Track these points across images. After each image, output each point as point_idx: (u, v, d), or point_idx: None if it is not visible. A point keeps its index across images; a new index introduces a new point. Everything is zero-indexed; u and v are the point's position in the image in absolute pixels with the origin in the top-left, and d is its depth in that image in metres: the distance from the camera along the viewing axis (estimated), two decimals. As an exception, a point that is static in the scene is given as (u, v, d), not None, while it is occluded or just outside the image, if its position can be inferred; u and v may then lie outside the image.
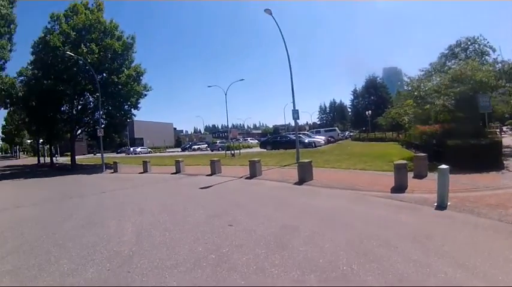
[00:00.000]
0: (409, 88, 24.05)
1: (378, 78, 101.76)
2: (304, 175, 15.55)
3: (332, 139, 51.38)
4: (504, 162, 17.86)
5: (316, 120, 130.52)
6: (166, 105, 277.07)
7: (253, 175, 18.48)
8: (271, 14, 22.95)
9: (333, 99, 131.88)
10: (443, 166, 9.90)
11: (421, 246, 6.38)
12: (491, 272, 5.22)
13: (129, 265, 6.13)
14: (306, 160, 16.65)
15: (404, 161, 13.64)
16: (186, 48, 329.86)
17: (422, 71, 25.96)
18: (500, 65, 25.24)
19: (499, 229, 7.67)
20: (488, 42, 27.48)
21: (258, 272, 5.45)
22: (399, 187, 12.43)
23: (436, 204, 9.84)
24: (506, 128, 62.64)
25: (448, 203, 9.78)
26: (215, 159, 22.60)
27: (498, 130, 46.49)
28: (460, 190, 11.73)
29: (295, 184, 15.28)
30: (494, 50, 27.29)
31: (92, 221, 10.18)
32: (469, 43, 28.10)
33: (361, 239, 6.86)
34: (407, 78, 25.25)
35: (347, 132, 78.46)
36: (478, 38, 27.92)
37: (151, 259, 6.36)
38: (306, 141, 40.43)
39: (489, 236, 7.18)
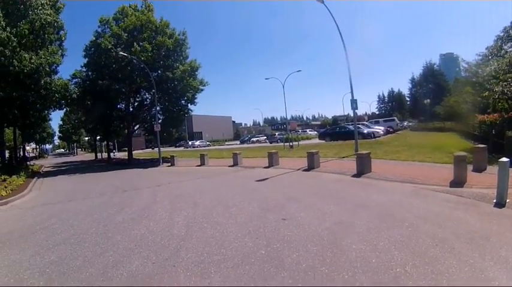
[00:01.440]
0: (467, 74, 23.59)
1: (435, 66, 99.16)
2: (363, 167, 15.38)
3: (391, 129, 50.24)
4: None
5: (375, 110, 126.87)
6: (225, 99, 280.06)
7: (311, 166, 18.49)
8: (323, 2, 22.98)
9: (391, 89, 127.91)
10: (504, 159, 9.54)
11: (478, 248, 6.02)
12: None
13: (175, 259, 6.22)
14: (365, 152, 16.52)
15: (464, 153, 13.07)
16: (243, 41, 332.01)
17: (480, 55, 25.05)
18: None
19: None
20: None
21: (308, 271, 5.35)
22: (458, 181, 12.17)
23: (495, 201, 9.47)
24: None
25: (507, 201, 9.38)
26: (273, 151, 22.84)
27: None
28: None
29: (353, 176, 15.15)
30: None
31: (144, 214, 10.45)
32: None
33: (417, 237, 6.65)
34: (465, 64, 24.86)
35: (406, 122, 76.00)
36: None
37: (199, 253, 6.43)
38: (365, 132, 40.04)
39: None
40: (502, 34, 26.66)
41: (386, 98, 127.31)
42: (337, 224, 7.88)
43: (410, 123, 73.23)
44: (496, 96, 21.68)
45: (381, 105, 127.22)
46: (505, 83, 20.25)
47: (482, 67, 23.11)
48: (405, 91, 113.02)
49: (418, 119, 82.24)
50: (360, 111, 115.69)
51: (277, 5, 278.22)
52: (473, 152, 15.12)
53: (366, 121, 65.85)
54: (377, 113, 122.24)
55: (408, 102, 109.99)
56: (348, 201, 10.47)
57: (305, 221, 8.22)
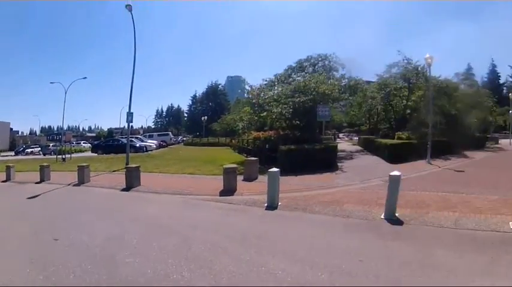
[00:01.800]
0: (249, 96, 25.25)
1: (220, 86, 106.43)
2: (132, 181, 15.48)
3: (164, 143, 51.67)
4: (339, 164, 20.39)
5: (152, 124, 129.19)
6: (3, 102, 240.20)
7: (81, 181, 17.89)
8: (131, 10, 22.60)
9: (171, 104, 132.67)
10: (274, 169, 10.70)
11: (253, 246, 6.74)
12: (332, 263, 5.80)
13: None
14: (134, 165, 16.75)
15: (233, 165, 14.62)
16: (31, 40, 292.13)
17: (266, 81, 27.64)
18: (346, 80, 29.37)
19: (335, 223, 8.62)
20: (339, 60, 31.08)
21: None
22: (228, 190, 13.04)
23: (266, 204, 10.41)
24: (343, 135, 72.06)
25: (279, 203, 10.45)
26: (45, 164, 21.40)
27: (333, 137, 53.51)
28: (292, 190, 12.87)
29: (123, 190, 15.14)
30: (343, 67, 31.14)
31: None
32: (319, 59, 31.16)
33: (189, 244, 6.94)
34: (248, 86, 26.42)
35: (180, 137, 79.31)
36: (330, 55, 31.22)
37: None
38: (137, 145, 40.34)
39: (324, 230, 8.05)
40: (294, 65, 30.95)
41: (164, 113, 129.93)
42: (109, 239, 7.74)
43: (185, 138, 75.75)
44: (274, 117, 24.21)
45: (158, 120, 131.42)
46: (285, 105, 22.63)
47: (265, 91, 25.41)
48: (186, 108, 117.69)
49: (194, 134, 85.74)
50: (136, 125, 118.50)
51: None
52: (245, 164, 16.96)
53: (141, 135, 67.77)
54: (153, 127, 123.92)
55: (185, 118, 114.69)
56: (117, 215, 10.52)
57: (77, 239, 7.87)
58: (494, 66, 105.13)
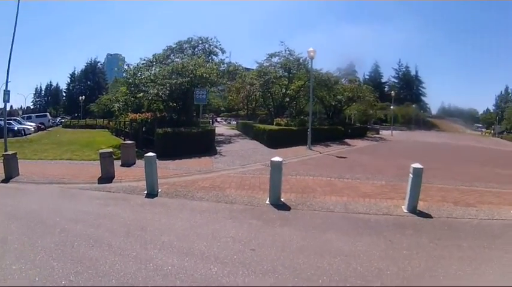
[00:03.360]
0: (127, 75, 23.96)
1: (100, 64, 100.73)
2: (11, 171, 13.69)
3: (42, 126, 46.91)
4: (217, 148, 20.18)
5: (31, 105, 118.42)
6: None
7: None
8: None
9: (50, 82, 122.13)
10: (150, 154, 10.26)
11: (138, 239, 6.42)
12: (223, 255, 5.70)
13: None
14: (11, 152, 14.74)
15: (109, 150, 13.75)
16: None
17: (144, 60, 26.23)
18: (226, 65, 28.77)
19: (219, 210, 8.44)
20: (220, 44, 30.45)
21: None
22: (106, 177, 12.34)
23: (146, 192, 10.01)
24: (221, 119, 71.79)
25: (159, 190, 10.11)
26: None
27: (211, 120, 53.55)
28: (171, 175, 12.51)
29: (2, 181, 13.14)
30: (223, 52, 30.54)
31: None
32: (200, 42, 30.30)
33: (72, 242, 6.35)
34: (126, 65, 24.99)
35: (59, 119, 73.86)
36: (211, 39, 30.50)
37: None
38: (15, 128, 35.68)
39: (210, 218, 7.85)
40: (174, 46, 29.54)
41: (43, 92, 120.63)
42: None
43: (63, 120, 71.04)
44: (150, 98, 23.13)
45: (37, 100, 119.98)
46: (162, 86, 21.63)
47: (142, 70, 24.12)
48: (65, 86, 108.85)
49: (73, 115, 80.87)
50: (16, 105, 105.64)
51: None
52: (122, 148, 16.06)
53: (20, 116, 60.91)
54: (32, 107, 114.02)
55: (64, 98, 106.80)
56: (-2, 214, 9.08)
57: None
58: (377, 66, 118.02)
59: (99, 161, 13.33)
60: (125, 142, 16.90)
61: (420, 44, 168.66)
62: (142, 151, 15.15)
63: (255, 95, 41.06)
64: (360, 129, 42.74)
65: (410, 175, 8.63)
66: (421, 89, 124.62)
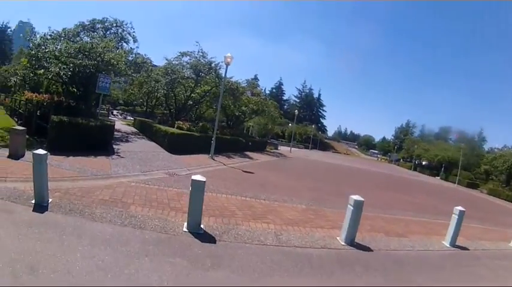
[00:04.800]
0: (30, 46, 21.39)
1: (9, 30, 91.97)
2: None
3: None
4: (114, 146, 18.51)
5: None
6: None
7: None
8: None
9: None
10: (40, 151, 8.00)
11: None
12: None
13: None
14: None
15: None
16: None
17: (52, 33, 23.07)
18: (134, 55, 27.94)
19: (128, 240, 6.70)
20: (134, 32, 28.99)
21: None
22: None
23: (34, 201, 7.84)
24: (117, 112, 68.18)
25: (50, 200, 8.06)
26: None
27: (107, 112, 50.64)
28: (65, 178, 10.52)
29: None
30: (135, 41, 29.09)
31: None
32: (114, 25, 28.47)
33: None
34: (32, 34, 22.24)
35: None
36: (126, 24, 28.86)
37: None
38: None
39: (119, 253, 6.07)
40: (87, 23, 27.26)
41: None
42: None
43: None
44: (50, 76, 20.60)
45: None
46: (65, 66, 19.59)
47: (48, 43, 20.95)
48: None
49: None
50: None
51: None
52: (10, 135, 13.02)
53: None
54: None
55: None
56: None
57: None
58: (281, 83, 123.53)
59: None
60: (15, 128, 13.70)
61: (324, 69, 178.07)
62: (35, 140, 13.58)
63: (157, 93, 38.97)
64: (260, 143, 43.31)
65: (350, 207, 8.42)
66: (321, 111, 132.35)
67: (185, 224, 7.88)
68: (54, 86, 24.12)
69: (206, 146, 22.73)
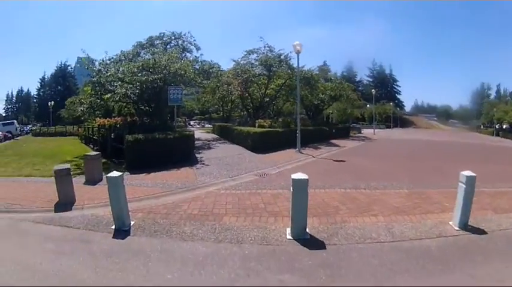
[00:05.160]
0: (91, 74, 21.08)
1: (70, 67, 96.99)
2: None
3: (9, 135, 44.42)
4: (197, 155, 17.73)
5: (2, 112, 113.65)
6: None
7: None
8: None
9: (21, 88, 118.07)
10: (114, 174, 7.40)
11: None
12: None
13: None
14: None
15: (66, 166, 10.39)
16: None
17: (111, 58, 22.97)
18: (200, 63, 26.57)
19: (224, 258, 5.68)
20: (194, 40, 28.40)
21: None
22: (65, 203, 9.30)
23: (114, 227, 7.14)
24: (194, 122, 69.28)
25: (132, 223, 7.31)
26: None
27: (184, 124, 51.37)
28: (147, 196, 9.78)
29: None
30: (198, 49, 28.54)
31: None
32: (173, 38, 28.12)
33: None
34: (89, 62, 21.95)
35: (29, 126, 70.50)
36: (185, 35, 28.35)
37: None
38: None
39: (217, 277, 5.07)
40: (144, 42, 27.71)
41: (14, 99, 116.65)
42: None
43: (34, 128, 67.66)
44: (118, 99, 20.20)
45: (9, 107, 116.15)
46: (131, 85, 19.01)
47: (108, 67, 20.95)
48: (35, 92, 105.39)
49: (44, 122, 77.64)
50: None
51: None
52: (85, 161, 12.79)
53: None
54: (4, 114, 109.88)
55: (36, 104, 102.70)
56: None
57: None
58: (351, 65, 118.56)
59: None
60: (88, 154, 13.52)
61: (392, 43, 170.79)
62: (113, 163, 13.22)
63: (231, 96, 38.04)
64: (343, 129, 41.23)
65: (462, 185, 7.15)
66: (396, 87, 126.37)
67: (288, 230, 6.80)
68: (125, 109, 23.98)
69: (290, 141, 21.49)
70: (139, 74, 19.44)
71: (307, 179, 6.58)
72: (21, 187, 12.20)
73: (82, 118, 27.75)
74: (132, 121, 18.87)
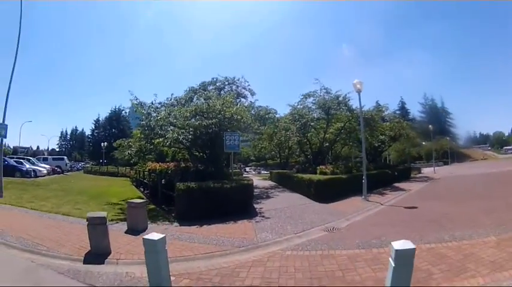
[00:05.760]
0: (140, 117, 20.85)
1: (124, 111, 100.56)
2: None
3: (59, 169, 45.09)
4: (256, 206, 16.31)
5: (56, 147, 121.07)
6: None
7: None
8: None
9: (75, 127, 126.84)
10: (154, 236, 5.95)
11: None
12: None
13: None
14: None
15: (101, 214, 9.17)
16: None
17: (162, 102, 22.59)
18: (255, 109, 26.09)
19: None
20: (249, 85, 27.58)
21: None
22: (97, 252, 8.31)
23: None
24: (249, 169, 68.64)
25: None
26: None
27: (240, 171, 49.83)
28: (197, 256, 8.48)
29: None
30: (253, 94, 27.73)
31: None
32: (226, 83, 27.47)
33: None
34: (138, 104, 21.14)
35: (81, 163, 73.73)
36: (238, 79, 27.64)
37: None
38: (24, 169, 34.17)
39: None
40: (197, 87, 26.94)
41: (68, 136, 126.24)
42: None
43: (86, 165, 69.40)
44: (168, 143, 18.98)
45: (63, 143, 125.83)
46: (183, 130, 17.82)
47: (158, 110, 20.46)
48: (89, 132, 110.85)
49: (97, 161, 79.86)
50: (42, 146, 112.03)
51: None
52: (128, 209, 11.77)
53: (33, 157, 59.37)
54: (57, 150, 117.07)
55: (90, 144, 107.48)
56: None
57: None
58: (403, 103, 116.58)
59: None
60: (132, 201, 12.22)
61: (434, 74, 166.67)
62: (162, 210, 12.45)
63: (289, 142, 35.65)
64: (405, 171, 39.07)
65: None
66: (449, 120, 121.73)
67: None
68: (179, 154, 23.62)
69: (353, 188, 20.00)
70: (193, 119, 18.58)
71: (414, 249, 5.05)
72: (54, 226, 11.75)
73: (131, 161, 27.07)
74: (185, 167, 18.02)
